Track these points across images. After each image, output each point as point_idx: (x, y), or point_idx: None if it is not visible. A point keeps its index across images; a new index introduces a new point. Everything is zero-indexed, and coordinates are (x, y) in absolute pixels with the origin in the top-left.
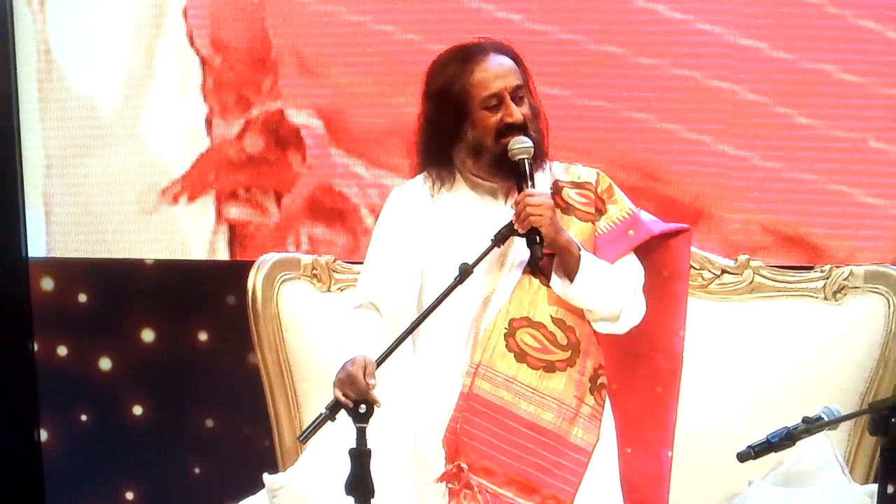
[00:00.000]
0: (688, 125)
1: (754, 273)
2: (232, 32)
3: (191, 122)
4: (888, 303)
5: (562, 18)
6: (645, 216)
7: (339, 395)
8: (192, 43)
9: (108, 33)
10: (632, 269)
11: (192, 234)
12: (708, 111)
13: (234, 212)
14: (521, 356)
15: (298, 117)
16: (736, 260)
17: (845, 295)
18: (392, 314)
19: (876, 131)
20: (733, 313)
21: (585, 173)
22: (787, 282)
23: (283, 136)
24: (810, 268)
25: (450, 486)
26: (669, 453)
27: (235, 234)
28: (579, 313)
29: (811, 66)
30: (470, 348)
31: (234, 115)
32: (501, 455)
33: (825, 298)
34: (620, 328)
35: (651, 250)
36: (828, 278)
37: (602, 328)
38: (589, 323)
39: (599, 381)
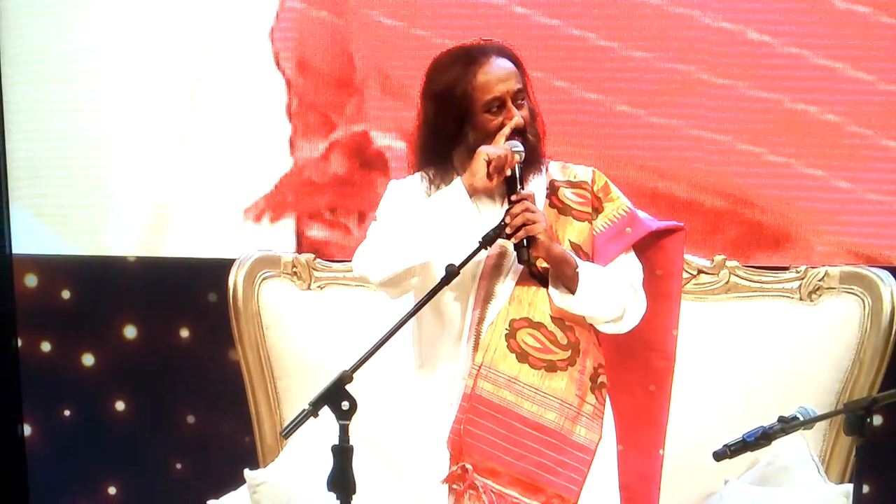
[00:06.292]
0: (771, 148)
1: (730, 273)
2: (317, 54)
3: (272, 142)
4: (863, 303)
5: (631, 38)
6: (641, 214)
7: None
8: (277, 64)
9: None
10: (631, 267)
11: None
12: (789, 133)
13: (316, 232)
14: (522, 356)
15: (382, 139)
16: (712, 260)
17: (821, 296)
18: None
19: None
20: (709, 313)
21: (582, 172)
22: (763, 282)
23: (367, 158)
24: (786, 268)
25: (454, 487)
26: (661, 451)
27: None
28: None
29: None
30: (472, 350)
31: (319, 136)
32: (505, 455)
33: (801, 299)
34: (624, 327)
35: (645, 249)
36: (803, 279)
37: (606, 329)
38: (588, 323)
39: (600, 379)
